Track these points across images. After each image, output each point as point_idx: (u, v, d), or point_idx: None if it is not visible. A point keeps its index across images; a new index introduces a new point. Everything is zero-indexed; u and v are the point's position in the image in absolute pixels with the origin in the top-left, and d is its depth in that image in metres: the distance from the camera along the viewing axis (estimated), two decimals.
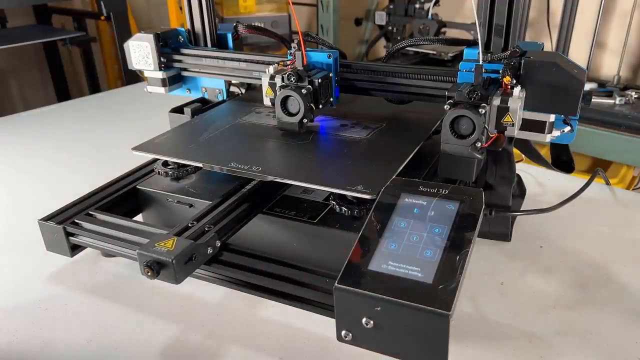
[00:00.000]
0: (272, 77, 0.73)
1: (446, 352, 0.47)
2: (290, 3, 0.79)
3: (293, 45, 0.73)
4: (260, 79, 0.76)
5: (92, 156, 1.07)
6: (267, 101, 0.74)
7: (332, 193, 0.65)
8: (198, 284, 0.63)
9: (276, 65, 0.75)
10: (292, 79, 0.70)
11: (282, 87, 0.71)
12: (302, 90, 0.70)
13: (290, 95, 0.71)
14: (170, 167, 0.75)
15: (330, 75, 0.74)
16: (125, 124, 1.29)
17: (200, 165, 0.67)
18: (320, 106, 0.73)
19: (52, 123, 1.31)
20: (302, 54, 0.72)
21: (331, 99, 0.75)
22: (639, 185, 1.65)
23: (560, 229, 0.76)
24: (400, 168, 0.63)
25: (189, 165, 0.74)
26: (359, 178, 0.61)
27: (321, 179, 0.62)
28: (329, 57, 0.74)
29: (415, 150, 0.68)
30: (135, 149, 0.71)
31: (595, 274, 0.67)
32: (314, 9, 2.51)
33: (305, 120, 0.71)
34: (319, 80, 0.71)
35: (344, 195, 0.64)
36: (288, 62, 0.74)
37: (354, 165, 0.66)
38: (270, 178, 0.63)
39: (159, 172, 0.75)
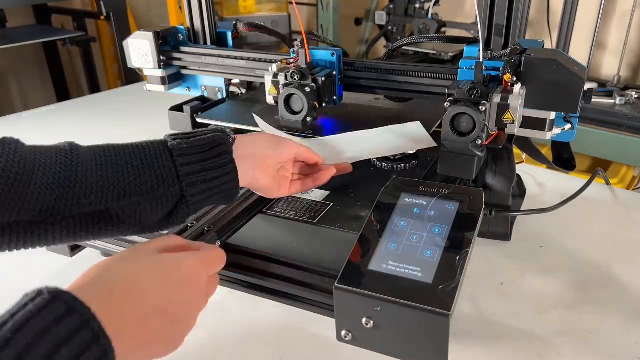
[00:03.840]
0: (275, 75, 0.72)
1: (446, 352, 0.46)
2: (293, 3, 0.78)
3: (296, 43, 0.73)
4: (262, 77, 0.76)
5: None
6: (270, 99, 0.74)
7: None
8: None
9: (279, 63, 0.74)
10: (296, 77, 0.70)
11: (285, 85, 0.71)
12: (306, 89, 0.69)
13: (293, 94, 0.70)
14: None
15: (334, 73, 0.73)
16: (125, 123, 1.29)
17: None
18: (324, 104, 0.72)
19: (51, 123, 1.31)
20: (305, 51, 0.71)
21: (335, 97, 0.75)
22: (639, 185, 1.65)
23: (560, 229, 0.76)
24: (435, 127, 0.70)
25: None
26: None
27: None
28: (333, 55, 0.73)
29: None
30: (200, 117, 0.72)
31: (595, 274, 0.67)
32: (314, 9, 2.51)
33: (309, 119, 0.71)
34: (323, 78, 0.70)
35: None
36: (291, 60, 0.74)
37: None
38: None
39: None
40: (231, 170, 0.53)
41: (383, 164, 0.76)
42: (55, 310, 0.33)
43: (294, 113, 0.71)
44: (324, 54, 0.74)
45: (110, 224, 0.50)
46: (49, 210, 0.46)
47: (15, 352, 0.30)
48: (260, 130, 0.74)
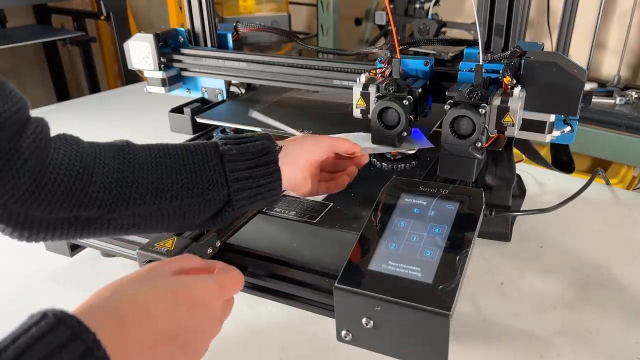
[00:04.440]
0: (365, 87, 0.67)
1: (446, 352, 0.47)
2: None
3: (384, 52, 0.69)
4: (260, 79, 0.74)
5: None
6: (357, 113, 0.69)
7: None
8: None
9: (367, 73, 0.69)
10: (391, 89, 0.64)
11: (379, 97, 0.65)
12: (404, 102, 0.64)
13: (389, 107, 0.65)
14: None
15: (428, 83, 0.68)
16: (125, 123, 1.29)
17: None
18: (418, 118, 0.68)
19: (51, 123, 1.30)
20: (399, 61, 0.66)
21: (425, 110, 0.70)
22: (639, 185, 1.65)
23: (560, 229, 0.76)
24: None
25: None
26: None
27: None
28: (426, 64, 0.68)
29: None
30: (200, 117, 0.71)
31: (596, 274, 0.67)
32: (314, 9, 2.51)
33: (404, 134, 0.66)
34: (420, 90, 0.65)
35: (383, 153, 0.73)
36: (378, 71, 0.68)
37: None
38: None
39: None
40: (276, 178, 0.56)
41: (383, 164, 0.76)
42: (58, 336, 0.31)
43: (388, 127, 0.66)
44: (417, 63, 0.68)
45: (160, 222, 0.52)
46: (106, 207, 0.49)
47: None
48: (259, 130, 0.74)
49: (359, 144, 0.66)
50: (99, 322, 0.34)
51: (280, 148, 0.58)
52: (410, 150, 0.72)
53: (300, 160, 0.60)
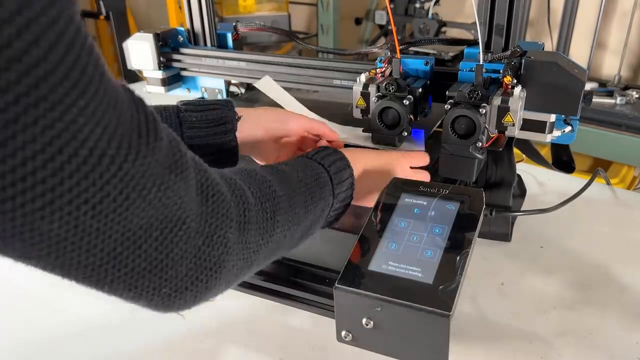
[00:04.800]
0: (365, 87, 0.66)
1: (446, 353, 0.46)
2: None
3: (384, 51, 0.68)
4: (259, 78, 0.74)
5: None
6: (357, 113, 0.69)
7: None
8: None
9: (367, 73, 0.69)
10: (392, 89, 0.64)
11: (379, 97, 0.65)
12: (404, 101, 0.64)
13: (389, 107, 0.65)
14: None
15: (428, 83, 0.68)
16: None
17: None
18: (418, 118, 0.68)
19: None
20: (399, 61, 0.66)
21: (425, 110, 0.70)
22: (639, 186, 1.65)
23: (560, 229, 0.76)
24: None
25: None
26: None
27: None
28: (426, 64, 0.68)
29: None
30: None
31: (596, 274, 0.67)
32: (314, 8, 2.51)
33: (404, 134, 0.66)
34: (420, 90, 0.65)
35: None
36: (378, 70, 0.68)
37: None
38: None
39: None
40: (233, 146, 0.61)
41: None
42: (331, 151, 0.55)
43: (388, 127, 0.66)
44: (417, 63, 0.68)
45: None
46: None
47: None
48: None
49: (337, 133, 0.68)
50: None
51: (240, 117, 0.61)
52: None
53: (258, 132, 0.64)
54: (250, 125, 0.62)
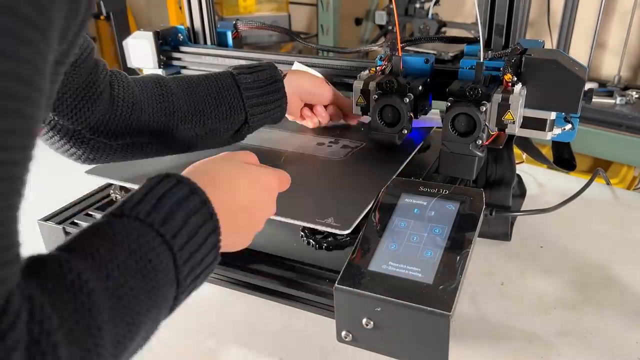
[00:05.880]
0: (365, 84, 0.66)
1: (446, 353, 0.46)
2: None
3: (385, 49, 0.69)
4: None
5: None
6: (357, 110, 0.69)
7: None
8: None
9: (368, 71, 0.69)
10: (392, 87, 0.64)
11: (379, 94, 0.65)
12: (405, 99, 0.64)
13: (389, 104, 0.65)
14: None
15: (428, 81, 0.68)
16: None
17: None
18: (418, 116, 0.68)
19: None
20: (399, 58, 0.66)
21: (425, 107, 0.70)
22: (639, 186, 1.65)
23: (560, 229, 0.76)
24: (375, 198, 0.58)
25: None
26: (331, 208, 0.57)
27: (288, 209, 0.56)
28: (426, 62, 0.68)
29: (396, 174, 0.64)
30: (90, 172, 0.67)
31: (596, 274, 0.67)
32: (314, 9, 2.51)
33: (405, 132, 0.66)
34: (420, 88, 0.65)
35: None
36: (378, 68, 0.68)
37: (327, 191, 0.62)
38: None
39: (115, 197, 0.70)
40: (282, 103, 0.69)
41: (310, 240, 0.63)
42: (181, 190, 0.38)
43: (388, 124, 0.66)
44: (417, 61, 0.68)
45: (195, 143, 0.64)
46: (155, 133, 0.61)
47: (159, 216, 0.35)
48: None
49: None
50: (200, 184, 0.39)
51: (285, 75, 0.70)
52: (343, 230, 0.55)
53: (295, 93, 0.72)
54: (290, 86, 0.69)
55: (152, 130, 0.60)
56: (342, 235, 0.57)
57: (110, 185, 0.73)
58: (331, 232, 0.56)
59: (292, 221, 0.56)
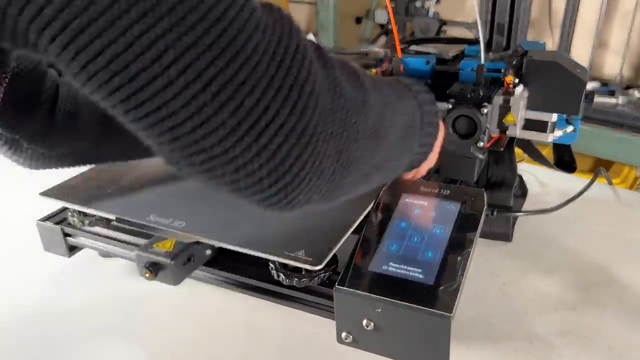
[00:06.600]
0: None
1: (447, 354, 0.46)
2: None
3: (384, 50, 0.68)
4: None
5: None
6: None
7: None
8: (197, 285, 0.63)
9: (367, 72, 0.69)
10: None
11: None
12: None
13: None
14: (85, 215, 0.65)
15: (429, 82, 0.67)
16: None
17: (112, 217, 0.60)
18: None
19: None
20: (399, 60, 0.65)
21: None
22: None
23: (562, 229, 0.76)
24: (351, 229, 0.53)
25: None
26: (302, 240, 0.51)
27: (256, 241, 0.53)
28: (427, 63, 0.67)
29: (371, 205, 0.57)
30: (43, 194, 0.65)
31: (597, 274, 0.67)
32: (314, 7, 2.51)
33: None
34: None
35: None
36: (379, 69, 0.68)
37: (299, 221, 0.54)
38: (195, 238, 0.55)
39: (72, 221, 0.66)
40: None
41: (281, 275, 0.57)
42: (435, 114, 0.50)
43: None
44: (418, 62, 0.67)
45: (135, 151, 0.59)
46: (94, 141, 0.58)
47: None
48: None
49: None
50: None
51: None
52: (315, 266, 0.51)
53: None
54: None
55: (91, 138, 0.58)
56: (315, 270, 0.51)
57: None
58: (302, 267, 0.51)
59: (258, 254, 0.52)
